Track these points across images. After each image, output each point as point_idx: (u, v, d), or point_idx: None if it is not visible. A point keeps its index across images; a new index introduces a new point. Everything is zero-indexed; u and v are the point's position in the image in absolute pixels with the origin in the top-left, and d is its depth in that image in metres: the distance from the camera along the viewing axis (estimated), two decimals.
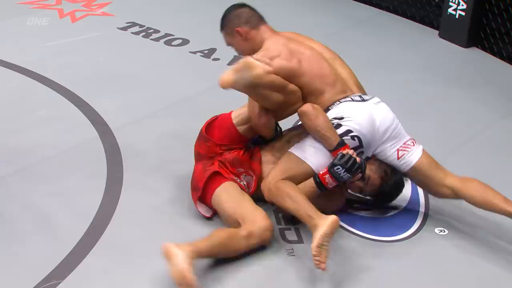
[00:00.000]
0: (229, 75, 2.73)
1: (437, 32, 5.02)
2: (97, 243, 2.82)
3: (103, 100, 3.93)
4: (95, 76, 4.25)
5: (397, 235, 2.97)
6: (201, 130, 3.08)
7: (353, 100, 2.94)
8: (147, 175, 3.27)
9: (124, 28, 4.97)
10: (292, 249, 2.85)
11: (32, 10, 5.22)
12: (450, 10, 4.83)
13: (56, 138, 3.56)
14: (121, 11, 5.24)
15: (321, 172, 2.83)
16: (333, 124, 2.86)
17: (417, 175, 2.98)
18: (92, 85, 4.11)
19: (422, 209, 3.13)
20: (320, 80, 2.94)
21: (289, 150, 2.93)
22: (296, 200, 2.75)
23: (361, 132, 2.86)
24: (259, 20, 3.03)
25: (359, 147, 2.87)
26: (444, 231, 2.99)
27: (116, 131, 3.61)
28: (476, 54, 4.77)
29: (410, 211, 3.11)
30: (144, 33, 4.90)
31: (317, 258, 2.56)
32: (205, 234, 2.72)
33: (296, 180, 2.86)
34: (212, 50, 4.62)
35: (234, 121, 3.02)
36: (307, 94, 2.94)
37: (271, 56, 2.85)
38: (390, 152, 2.95)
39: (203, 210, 2.99)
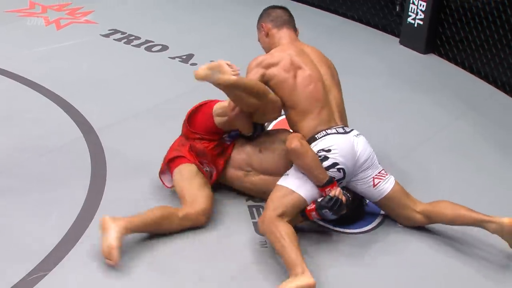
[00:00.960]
0: (203, 69, 2.72)
1: (398, 39, 5.06)
2: (82, 236, 2.80)
3: (87, 102, 3.90)
4: (80, 80, 4.21)
5: (362, 227, 2.98)
6: (188, 111, 3.08)
7: (337, 133, 2.85)
8: (129, 172, 3.25)
9: (107, 35, 4.93)
10: (265, 241, 2.86)
11: (20, 18, 5.15)
12: (409, 20, 4.87)
13: (43, 138, 3.53)
14: (104, 19, 5.20)
15: (308, 208, 2.75)
16: (320, 156, 2.78)
17: (390, 203, 2.91)
18: (76, 88, 4.07)
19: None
20: (309, 102, 2.87)
21: (278, 183, 2.81)
22: (285, 245, 2.59)
23: (346, 165, 2.80)
24: (286, 23, 3.05)
25: (343, 178, 2.82)
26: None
27: (100, 131, 3.58)
28: (433, 60, 4.81)
29: (375, 205, 3.12)
30: (125, 40, 4.87)
31: None
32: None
33: (291, 212, 2.74)
34: (190, 56, 4.60)
35: (214, 112, 3.01)
36: (291, 109, 2.89)
37: (271, 63, 2.88)
38: (366, 180, 2.88)
39: (166, 181, 3.06)
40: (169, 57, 4.62)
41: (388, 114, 4.03)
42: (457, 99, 4.26)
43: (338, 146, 2.81)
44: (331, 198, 2.70)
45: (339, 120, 2.95)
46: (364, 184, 2.89)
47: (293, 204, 2.74)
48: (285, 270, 2.62)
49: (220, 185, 3.14)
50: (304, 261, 2.55)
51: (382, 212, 3.06)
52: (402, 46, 4.98)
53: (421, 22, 4.79)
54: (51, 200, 3.03)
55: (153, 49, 4.75)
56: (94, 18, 5.23)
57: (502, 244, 2.79)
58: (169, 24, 5.22)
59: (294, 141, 2.76)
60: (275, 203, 2.73)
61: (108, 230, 2.62)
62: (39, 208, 2.97)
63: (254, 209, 3.06)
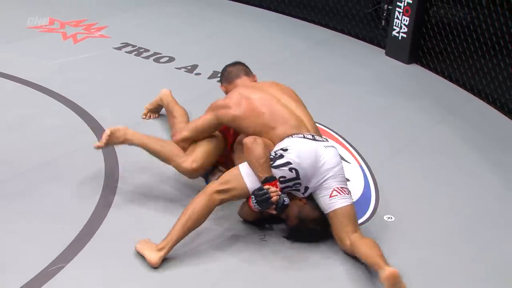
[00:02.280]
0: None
1: (383, 51, 5.05)
2: (97, 232, 2.79)
3: (101, 109, 3.89)
4: (94, 89, 4.20)
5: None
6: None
7: (304, 137, 2.76)
8: (141, 172, 3.24)
9: (119, 48, 4.92)
10: (264, 235, 2.84)
11: (40, 33, 5.14)
12: (394, 33, 4.86)
13: (60, 142, 3.51)
14: (116, 33, 5.19)
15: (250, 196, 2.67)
16: (277, 154, 2.70)
17: (333, 220, 2.70)
18: (91, 96, 4.06)
19: (373, 200, 3.13)
20: (270, 118, 2.83)
21: (238, 165, 2.76)
22: (181, 221, 2.63)
23: (300, 166, 2.67)
24: (236, 76, 3.17)
25: (296, 178, 2.68)
26: (392, 218, 3.01)
27: None
28: (416, 70, 4.80)
29: (363, 202, 3.11)
30: (136, 52, 4.86)
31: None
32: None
33: (231, 194, 2.69)
34: (194, 66, 4.59)
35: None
36: (255, 133, 2.84)
37: (221, 105, 2.95)
38: (327, 189, 2.71)
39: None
40: (175, 68, 4.61)
41: (375, 119, 4.02)
42: (438, 105, 4.25)
43: (296, 147, 2.71)
44: (262, 189, 2.61)
45: (311, 129, 2.86)
46: (324, 191, 2.72)
47: (236, 187, 2.69)
48: (282, 258, 2.61)
49: None
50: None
51: (371, 207, 3.05)
52: (387, 57, 4.98)
53: (404, 35, 4.78)
54: (67, 199, 3.01)
55: (161, 60, 4.74)
56: (107, 32, 5.22)
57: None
58: (175, 38, 5.21)
59: (249, 138, 2.74)
60: (225, 178, 2.72)
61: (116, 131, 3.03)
62: (56, 207, 2.96)
63: None
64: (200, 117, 3.03)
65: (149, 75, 4.49)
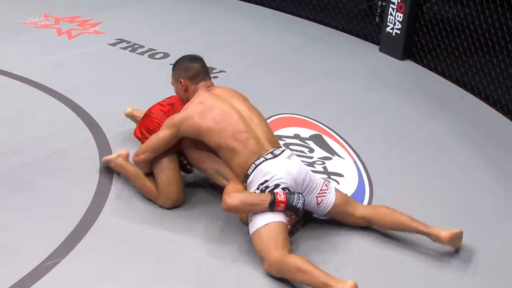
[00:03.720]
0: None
1: (377, 47, 5.06)
2: (92, 227, 2.78)
3: (96, 105, 3.88)
4: (89, 85, 4.19)
5: None
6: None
7: (266, 159, 2.69)
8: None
9: (114, 44, 4.91)
10: None
11: (34, 29, 5.12)
12: (388, 29, 4.87)
13: (55, 137, 3.51)
14: (111, 29, 5.17)
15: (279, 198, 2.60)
16: (261, 189, 2.64)
17: (334, 214, 2.81)
18: (86, 92, 4.05)
19: (367, 195, 3.14)
20: (233, 137, 2.73)
21: (252, 233, 2.61)
22: (307, 271, 2.41)
23: (286, 184, 2.66)
24: (203, 77, 2.93)
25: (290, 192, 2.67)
26: None
27: (107, 131, 3.56)
28: (409, 66, 4.81)
29: (357, 197, 3.10)
30: (130, 48, 4.84)
31: None
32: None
33: (282, 240, 2.55)
34: None
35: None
36: (219, 150, 2.77)
37: (184, 117, 2.80)
38: (310, 199, 2.75)
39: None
40: (170, 64, 4.53)
41: (369, 114, 4.03)
42: (432, 101, 4.26)
43: (271, 172, 2.66)
44: (291, 195, 2.61)
45: (268, 145, 2.76)
46: (310, 203, 2.75)
47: (277, 233, 2.56)
48: None
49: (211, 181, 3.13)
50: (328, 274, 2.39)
51: (365, 202, 3.06)
52: (381, 53, 4.98)
53: (398, 32, 4.79)
54: (63, 194, 3.01)
55: (156, 56, 4.73)
56: (102, 28, 5.21)
57: None
58: (170, 34, 5.20)
59: (224, 204, 2.63)
60: (265, 247, 2.54)
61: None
62: (52, 202, 2.95)
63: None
64: (159, 135, 2.85)
65: (143, 71, 4.48)
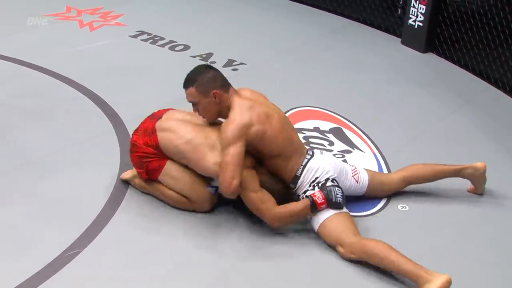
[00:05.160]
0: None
1: (399, 39, 5.00)
2: (111, 219, 2.80)
3: (117, 96, 3.90)
4: (110, 77, 4.21)
5: (367, 210, 2.95)
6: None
7: (308, 160, 2.76)
8: None
9: (135, 36, 4.93)
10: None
11: (57, 21, 5.16)
12: (410, 21, 4.81)
13: (76, 129, 3.53)
14: (132, 21, 5.19)
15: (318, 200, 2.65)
16: (312, 186, 2.70)
17: (372, 187, 2.91)
18: (107, 84, 4.08)
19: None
20: (289, 144, 2.73)
21: (318, 229, 2.66)
22: (393, 259, 2.44)
23: (333, 176, 2.74)
24: (228, 83, 2.76)
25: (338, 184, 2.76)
26: (406, 208, 2.99)
27: (128, 122, 3.58)
28: (432, 58, 4.76)
29: None
30: (151, 40, 4.86)
31: None
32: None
33: (354, 228, 2.63)
34: (209, 55, 4.58)
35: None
36: (276, 158, 2.72)
37: (245, 124, 2.61)
38: (350, 182, 2.85)
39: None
40: (190, 56, 4.61)
41: (390, 107, 3.99)
42: (454, 93, 4.21)
43: (320, 166, 2.73)
44: (332, 197, 2.65)
45: (303, 145, 2.85)
46: (351, 184, 2.86)
47: (345, 220, 2.64)
48: (299, 247, 2.62)
49: None
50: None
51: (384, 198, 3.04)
52: (403, 46, 4.93)
53: (421, 24, 4.73)
54: (83, 186, 3.03)
55: (176, 48, 4.73)
56: (123, 20, 5.23)
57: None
58: (190, 25, 5.20)
59: (273, 226, 2.69)
60: (339, 233, 2.60)
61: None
62: (73, 193, 2.98)
63: None
64: (229, 155, 2.58)
65: (164, 63, 4.49)
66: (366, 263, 2.57)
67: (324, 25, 5.31)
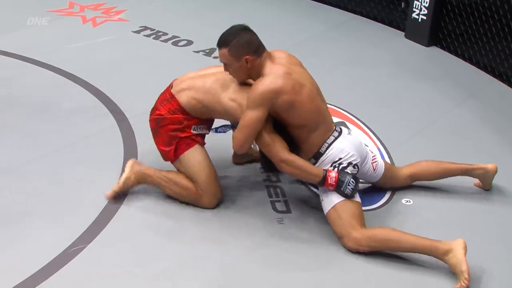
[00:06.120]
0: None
1: (403, 33, 4.98)
2: (116, 214, 2.81)
3: (120, 92, 3.90)
4: (113, 73, 4.21)
5: (371, 204, 2.95)
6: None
7: (335, 138, 2.69)
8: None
9: (138, 32, 4.92)
10: (282, 218, 2.84)
11: (60, 16, 5.16)
12: (414, 15, 4.79)
13: (80, 125, 3.54)
14: (135, 17, 5.18)
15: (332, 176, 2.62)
16: (334, 167, 2.65)
17: (384, 177, 2.93)
18: (110, 80, 4.07)
19: None
20: (316, 117, 2.66)
21: (327, 213, 2.65)
22: (404, 241, 2.51)
23: (357, 160, 2.71)
24: (263, 47, 2.68)
25: (358, 170, 2.73)
26: (410, 202, 2.98)
27: (131, 118, 3.58)
28: (436, 52, 4.73)
29: None
30: (154, 36, 4.85)
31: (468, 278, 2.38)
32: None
33: (361, 217, 2.63)
34: (212, 50, 4.57)
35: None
36: (301, 128, 2.66)
37: (277, 89, 2.56)
38: (368, 167, 2.85)
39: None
40: (193, 51, 4.60)
41: (394, 101, 3.98)
42: (458, 87, 4.19)
43: (345, 148, 2.68)
44: (352, 182, 2.62)
45: (332, 121, 2.77)
46: (369, 170, 2.86)
47: (354, 211, 2.62)
48: (305, 244, 2.61)
49: (236, 167, 3.13)
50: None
51: (389, 191, 3.03)
52: (407, 40, 4.90)
53: (424, 17, 4.71)
54: (87, 181, 3.04)
55: (179, 44, 4.73)
56: (126, 16, 5.22)
57: None
58: (193, 21, 5.19)
59: (280, 158, 2.62)
60: (346, 224, 2.59)
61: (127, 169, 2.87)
62: (76, 189, 2.98)
63: (271, 189, 3.04)
64: (248, 119, 2.58)
65: (167, 59, 4.48)
66: (371, 256, 2.56)
67: (328, 20, 5.29)
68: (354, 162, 2.70)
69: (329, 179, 2.62)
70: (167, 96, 2.86)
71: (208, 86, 2.76)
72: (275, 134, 2.66)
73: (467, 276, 2.38)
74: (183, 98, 2.80)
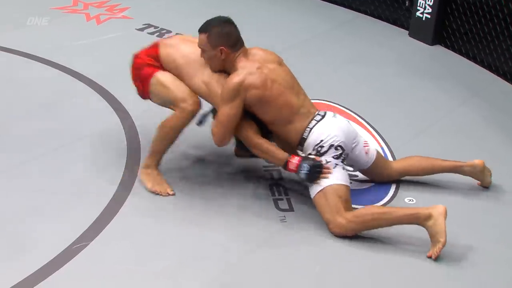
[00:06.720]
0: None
1: (407, 32, 4.97)
2: (118, 212, 2.81)
3: (124, 90, 3.88)
4: (117, 70, 4.18)
5: (374, 203, 2.93)
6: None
7: (317, 121, 2.75)
8: None
9: (141, 29, 4.92)
10: (284, 216, 2.84)
11: (64, 14, 5.16)
12: (418, 14, 4.78)
13: (84, 123, 3.54)
14: (139, 14, 5.18)
15: (293, 161, 2.70)
16: (316, 150, 2.70)
17: (375, 166, 2.95)
18: (114, 78, 4.07)
19: (394, 184, 3.10)
20: (288, 111, 2.72)
21: (313, 196, 2.70)
22: (387, 212, 2.62)
23: (340, 141, 2.72)
24: (241, 43, 2.78)
25: (343, 151, 2.73)
26: (412, 200, 2.98)
27: (135, 116, 3.58)
28: (440, 51, 4.72)
29: (384, 184, 3.08)
30: (158, 33, 4.85)
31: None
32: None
33: (347, 201, 2.67)
34: None
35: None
36: (273, 124, 2.75)
37: (250, 84, 2.66)
38: (359, 150, 2.88)
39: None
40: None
41: (398, 100, 3.97)
42: (462, 86, 4.18)
43: (325, 130, 2.72)
44: (318, 165, 2.68)
45: (312, 107, 2.81)
46: (360, 154, 2.88)
47: (341, 194, 2.66)
48: (307, 242, 2.61)
49: (239, 165, 3.13)
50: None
51: (392, 189, 3.02)
52: (411, 38, 4.89)
53: (428, 16, 4.70)
54: (90, 178, 3.04)
55: None
56: (130, 14, 5.22)
57: None
58: (197, 19, 5.11)
59: (248, 138, 2.77)
60: (332, 209, 2.64)
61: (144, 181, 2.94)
62: (80, 187, 2.98)
63: (274, 187, 3.04)
64: (225, 115, 2.69)
65: None
66: (375, 256, 2.56)
67: (332, 19, 5.29)
68: (336, 144, 2.71)
69: (289, 164, 2.71)
70: (152, 43, 3.00)
71: (192, 58, 2.83)
72: (245, 119, 2.75)
73: (441, 247, 2.49)
74: (164, 54, 2.89)
